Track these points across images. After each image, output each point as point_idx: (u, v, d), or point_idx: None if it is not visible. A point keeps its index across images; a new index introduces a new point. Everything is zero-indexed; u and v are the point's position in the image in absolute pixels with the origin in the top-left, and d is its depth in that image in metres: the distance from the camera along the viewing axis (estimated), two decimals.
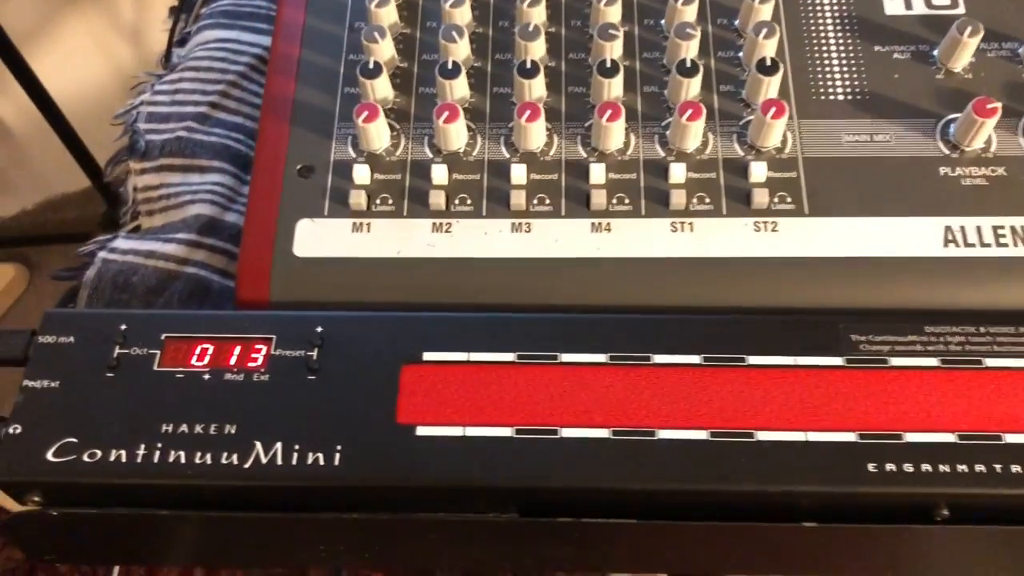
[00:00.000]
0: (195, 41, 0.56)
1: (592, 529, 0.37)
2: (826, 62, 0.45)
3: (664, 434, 0.37)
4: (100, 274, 0.48)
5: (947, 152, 0.43)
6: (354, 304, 0.42)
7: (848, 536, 0.37)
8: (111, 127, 0.54)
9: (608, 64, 0.43)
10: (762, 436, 0.36)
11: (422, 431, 0.37)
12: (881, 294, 0.41)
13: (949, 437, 0.36)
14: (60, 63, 1.25)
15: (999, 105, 0.41)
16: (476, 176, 0.43)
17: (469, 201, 0.43)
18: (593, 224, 0.42)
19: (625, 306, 0.41)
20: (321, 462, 0.36)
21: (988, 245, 0.41)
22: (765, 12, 0.45)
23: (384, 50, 0.45)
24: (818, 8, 0.47)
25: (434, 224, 0.43)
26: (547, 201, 0.43)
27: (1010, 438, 0.36)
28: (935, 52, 0.45)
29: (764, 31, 0.44)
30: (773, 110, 0.42)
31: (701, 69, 0.43)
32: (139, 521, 0.38)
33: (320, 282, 0.42)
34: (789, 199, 0.42)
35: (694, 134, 0.43)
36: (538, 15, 0.46)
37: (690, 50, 0.44)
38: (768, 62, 0.43)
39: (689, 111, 0.42)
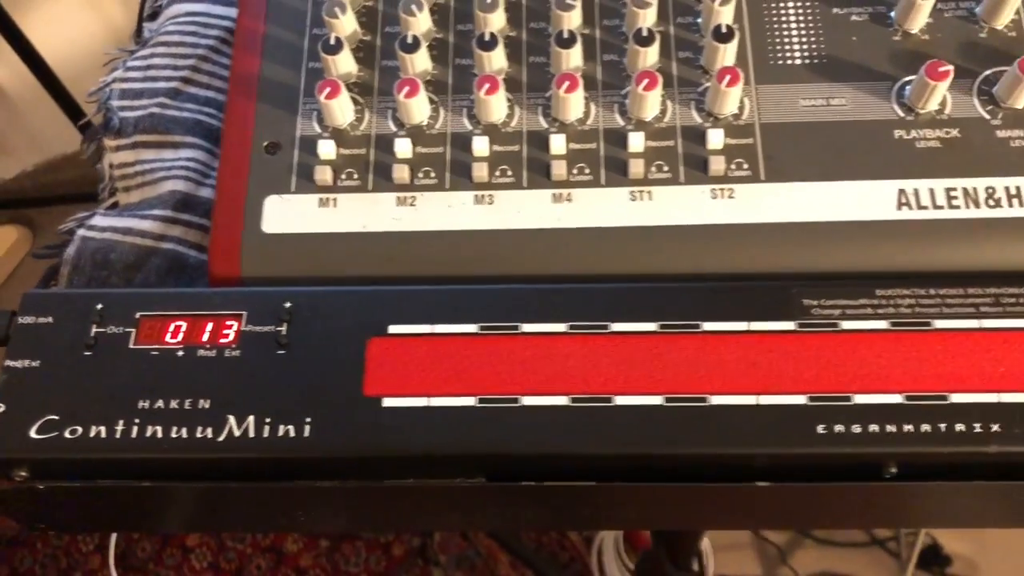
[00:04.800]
0: (166, 15, 0.57)
1: (555, 492, 0.38)
2: (784, 26, 0.46)
3: (621, 400, 0.38)
4: (80, 251, 0.49)
5: (902, 115, 0.44)
6: (323, 279, 0.43)
7: (800, 494, 0.39)
8: None
9: (566, 35, 0.44)
10: (715, 400, 0.38)
11: (388, 402, 0.38)
12: (836, 258, 0.42)
13: (896, 398, 0.38)
14: (51, 25, 1.24)
15: (951, 68, 0.42)
16: (439, 149, 0.44)
17: (433, 174, 0.44)
18: (554, 195, 0.43)
19: (587, 275, 0.42)
20: (292, 434, 0.38)
21: (941, 207, 0.42)
22: None
23: (346, 24, 0.46)
24: None
25: (399, 198, 0.43)
26: (509, 173, 0.44)
27: (955, 398, 0.37)
28: (892, 13, 0.45)
29: None
30: (728, 77, 0.42)
31: (658, 38, 0.44)
32: (121, 493, 0.40)
33: (289, 257, 0.43)
34: (746, 165, 0.43)
35: (651, 103, 0.43)
36: None
37: (647, 18, 0.45)
38: (724, 29, 0.43)
39: (645, 80, 0.42)
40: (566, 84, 0.43)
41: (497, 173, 0.44)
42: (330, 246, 0.43)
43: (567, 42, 0.44)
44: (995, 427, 0.37)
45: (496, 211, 0.43)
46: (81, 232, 0.50)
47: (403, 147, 0.44)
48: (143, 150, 0.52)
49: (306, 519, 0.43)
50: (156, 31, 0.56)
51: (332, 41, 0.44)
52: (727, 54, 0.43)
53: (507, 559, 1.06)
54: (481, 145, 0.44)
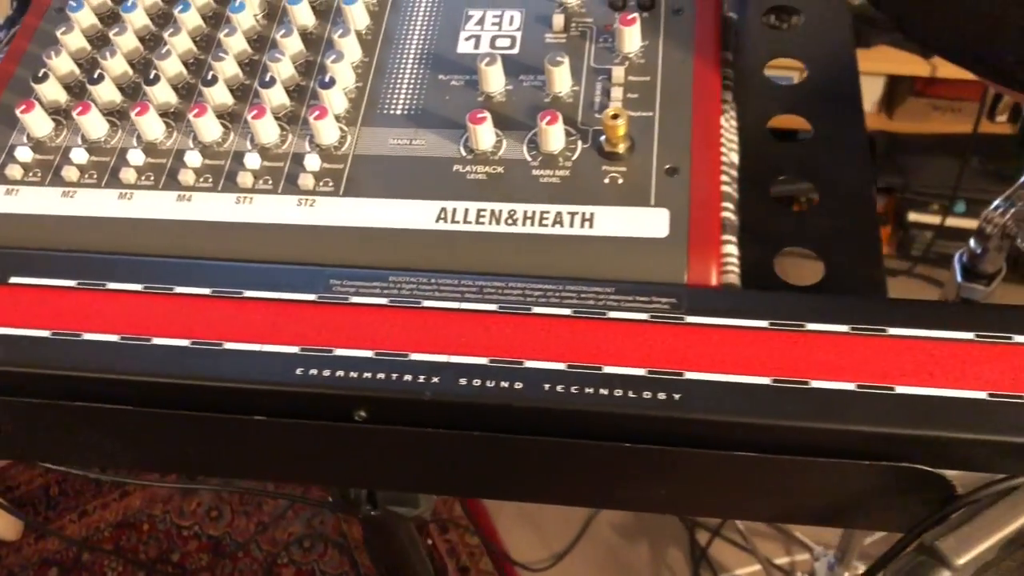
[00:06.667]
0: None
1: (90, 413, 0.48)
2: (398, 86, 0.57)
3: (157, 340, 0.48)
4: None
5: (464, 155, 0.54)
6: None
7: (291, 432, 0.47)
8: None
9: (209, 78, 0.56)
10: (228, 345, 0.47)
11: None
12: (383, 255, 0.51)
13: (369, 353, 0.46)
14: None
15: (486, 115, 0.52)
16: (107, 159, 0.56)
17: (95, 176, 0.56)
18: (179, 195, 0.54)
19: (196, 256, 0.53)
20: None
21: (470, 223, 0.51)
22: (347, 45, 0.57)
23: (61, 65, 0.59)
24: (406, 46, 0.59)
25: (63, 191, 0.55)
26: (151, 178, 0.55)
27: (414, 356, 0.46)
28: None
29: (332, 56, 0.56)
30: (316, 112, 0.54)
31: (278, 83, 0.56)
32: None
33: None
34: (331, 184, 0.54)
35: (263, 130, 0.55)
36: (181, 44, 0.59)
37: (279, 71, 0.57)
38: (327, 79, 0.55)
39: (254, 111, 0.54)
40: (196, 110, 0.55)
41: (142, 178, 0.55)
42: (5, 223, 0.55)
43: (210, 83, 0.56)
44: (435, 379, 0.45)
45: (133, 205, 0.54)
46: None
47: (79, 156, 0.56)
48: None
49: None
50: None
51: (40, 74, 0.58)
52: (326, 98, 0.55)
53: None
54: (136, 157, 0.55)
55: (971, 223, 1.83)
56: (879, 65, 1.80)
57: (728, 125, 0.61)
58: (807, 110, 0.65)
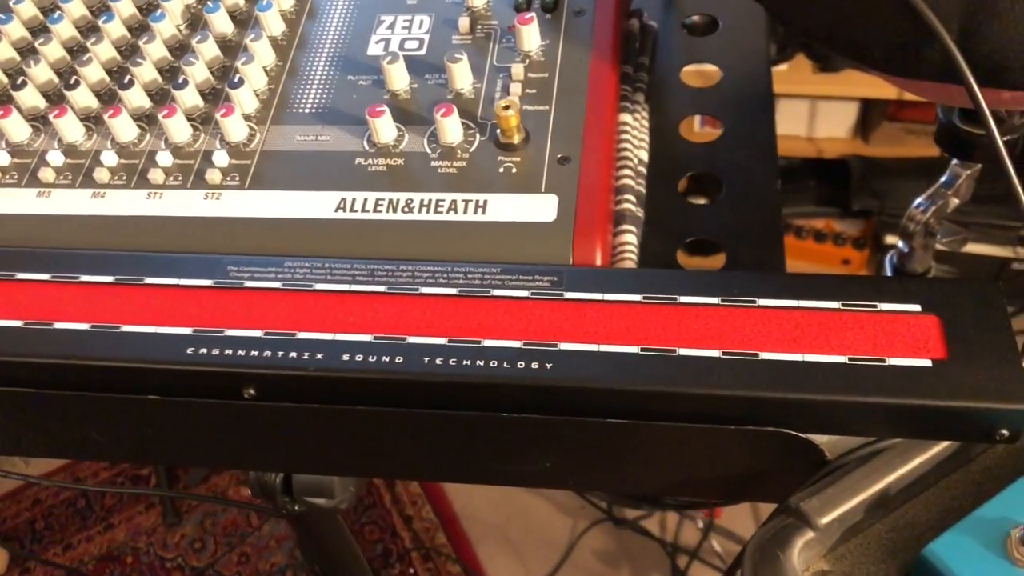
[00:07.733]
0: None
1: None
2: (309, 86, 0.60)
3: (58, 325, 0.49)
4: None
5: (367, 148, 0.56)
6: None
7: (184, 410, 0.48)
8: None
9: (126, 81, 0.58)
10: (125, 328, 0.49)
11: None
12: (286, 243, 0.53)
13: (257, 333, 0.48)
14: None
15: (384, 109, 0.54)
16: (29, 161, 0.58)
17: (16, 176, 0.58)
18: (94, 192, 0.56)
19: (111, 248, 0.54)
20: None
21: (368, 211, 0.53)
22: (260, 49, 0.60)
23: None
24: (319, 50, 0.61)
25: None
26: (69, 177, 0.57)
27: (301, 335, 0.47)
28: None
29: (244, 59, 0.58)
30: (223, 111, 0.56)
31: (191, 84, 0.58)
32: None
33: None
34: (237, 178, 0.56)
35: (175, 129, 0.57)
36: (104, 52, 0.62)
37: (194, 74, 0.59)
38: (236, 80, 0.57)
39: (165, 111, 0.56)
40: (111, 112, 0.57)
41: (61, 178, 0.57)
42: None
43: (126, 87, 0.58)
44: (319, 356, 0.46)
45: (51, 202, 0.56)
46: None
47: (0, 158, 0.58)
48: None
49: None
50: None
51: None
52: (233, 97, 0.57)
53: None
54: (56, 158, 0.58)
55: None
56: (850, 89, 1.83)
57: (639, 124, 0.63)
58: (720, 111, 0.67)
